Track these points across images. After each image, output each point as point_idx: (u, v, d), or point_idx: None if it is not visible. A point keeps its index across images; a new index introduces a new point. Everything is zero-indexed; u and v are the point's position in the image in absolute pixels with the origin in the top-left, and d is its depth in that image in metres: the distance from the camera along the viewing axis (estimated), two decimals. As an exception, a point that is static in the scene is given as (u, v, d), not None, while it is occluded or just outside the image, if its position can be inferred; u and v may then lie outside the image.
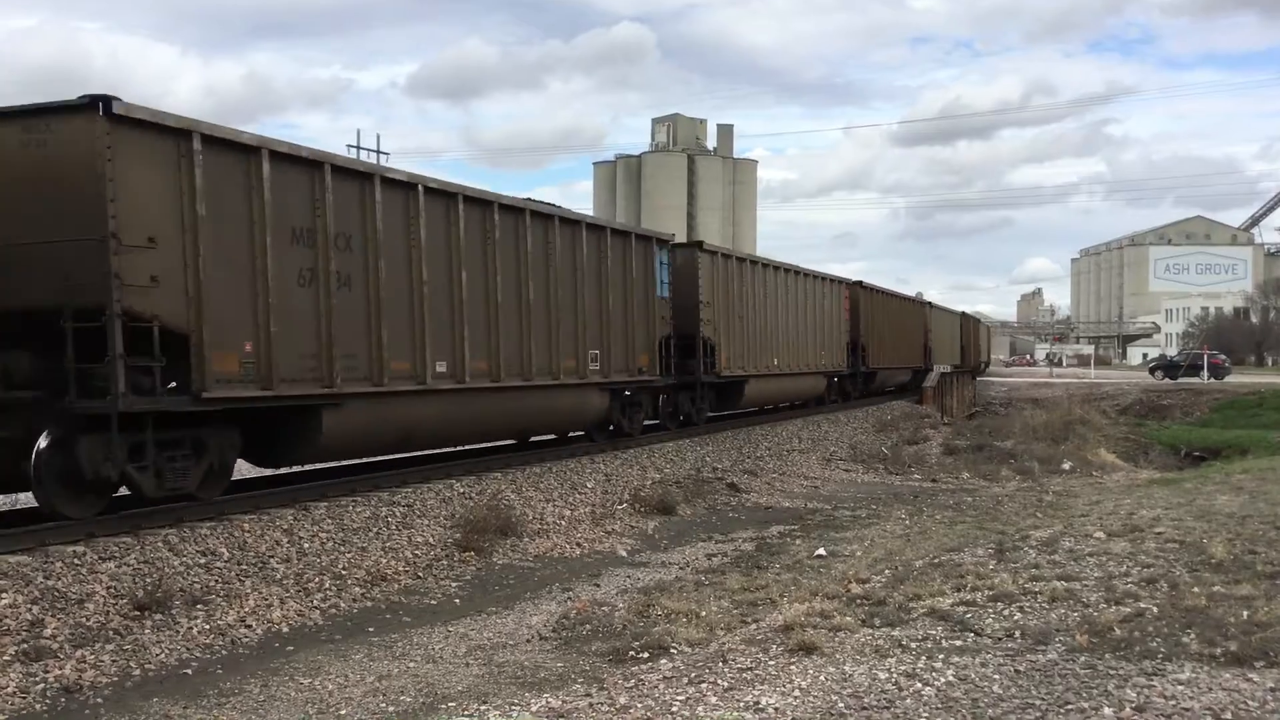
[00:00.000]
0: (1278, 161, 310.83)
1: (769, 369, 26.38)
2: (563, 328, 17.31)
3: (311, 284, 12.23)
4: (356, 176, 13.09)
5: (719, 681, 6.71)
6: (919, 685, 6.34)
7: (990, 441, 30.63)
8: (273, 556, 11.00)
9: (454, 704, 7.25)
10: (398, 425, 13.94)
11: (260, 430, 12.17)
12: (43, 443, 10.26)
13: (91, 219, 9.89)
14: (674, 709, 6.21)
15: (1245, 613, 7.44)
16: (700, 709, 6.16)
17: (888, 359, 38.33)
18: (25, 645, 8.19)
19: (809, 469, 24.18)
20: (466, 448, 17.22)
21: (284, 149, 11.98)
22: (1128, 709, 5.80)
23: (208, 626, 9.33)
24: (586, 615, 10.05)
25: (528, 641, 9.40)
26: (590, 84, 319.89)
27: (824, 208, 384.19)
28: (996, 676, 6.45)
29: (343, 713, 7.45)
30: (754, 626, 8.57)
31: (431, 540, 12.83)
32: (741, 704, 6.19)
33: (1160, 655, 6.73)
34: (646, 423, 21.63)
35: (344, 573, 11.31)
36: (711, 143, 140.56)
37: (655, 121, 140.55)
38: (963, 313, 66.23)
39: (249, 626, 9.58)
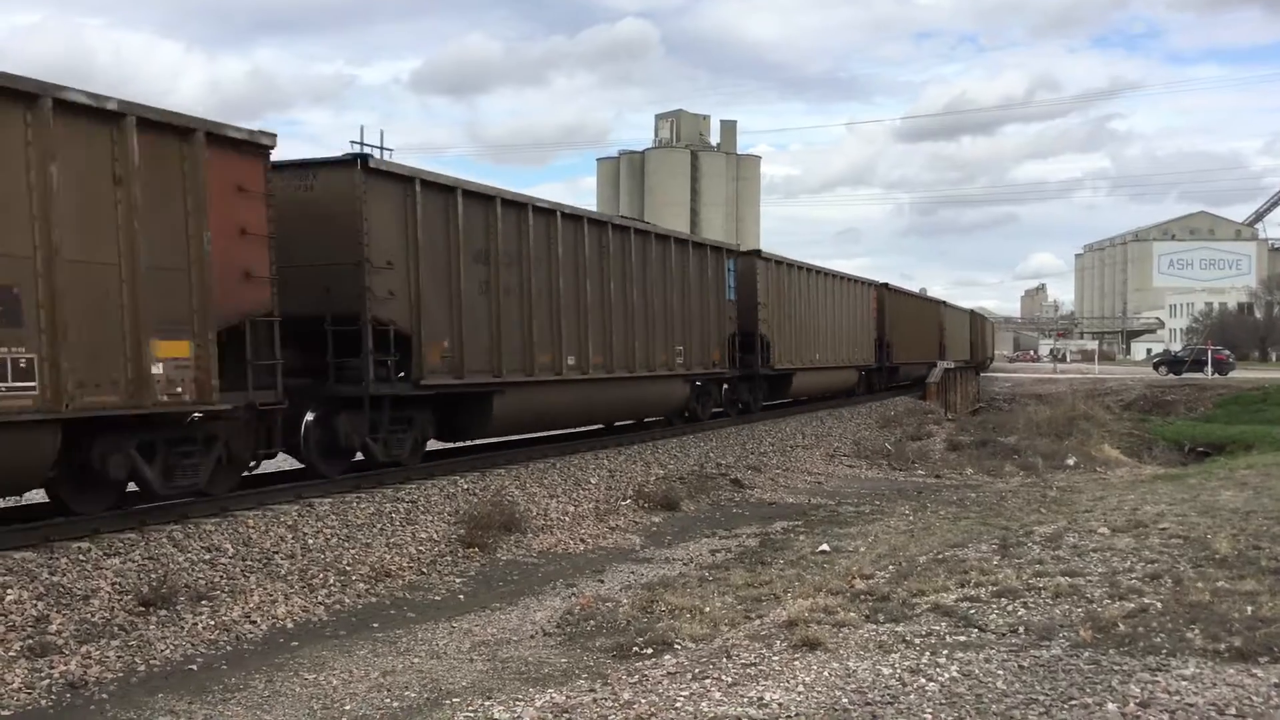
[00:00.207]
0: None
1: (812, 363, 29.66)
2: (657, 327, 20.60)
3: (486, 293, 15.42)
4: (515, 206, 16.28)
5: (723, 677, 6.71)
6: (923, 681, 6.34)
7: (994, 437, 30.60)
8: (277, 552, 11.02)
9: (458, 699, 7.25)
10: (541, 408, 17.15)
11: (447, 412, 15.28)
12: (309, 418, 13.38)
13: (351, 247, 13.12)
14: (678, 705, 6.21)
15: (1249, 608, 7.43)
16: (704, 705, 6.16)
17: (908, 354, 41.53)
18: (30, 641, 8.21)
19: (813, 465, 24.17)
20: (468, 444, 17.68)
21: (471, 187, 15.28)
22: (1132, 704, 5.80)
23: (212, 622, 9.34)
24: (590, 611, 10.06)
25: (532, 637, 9.41)
26: (594, 80, 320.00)
27: (827, 204, 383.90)
28: (1001, 672, 6.45)
29: (347, 708, 7.46)
30: (758, 622, 8.57)
31: (435, 536, 12.84)
32: (745, 699, 6.19)
33: (1164, 651, 6.72)
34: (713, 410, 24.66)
35: (348, 568, 11.33)
36: (715, 139, 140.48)
37: (659, 117, 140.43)
38: (971, 310, 69.50)
39: (254, 622, 9.59)
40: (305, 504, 12.37)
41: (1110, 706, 5.78)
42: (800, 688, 6.34)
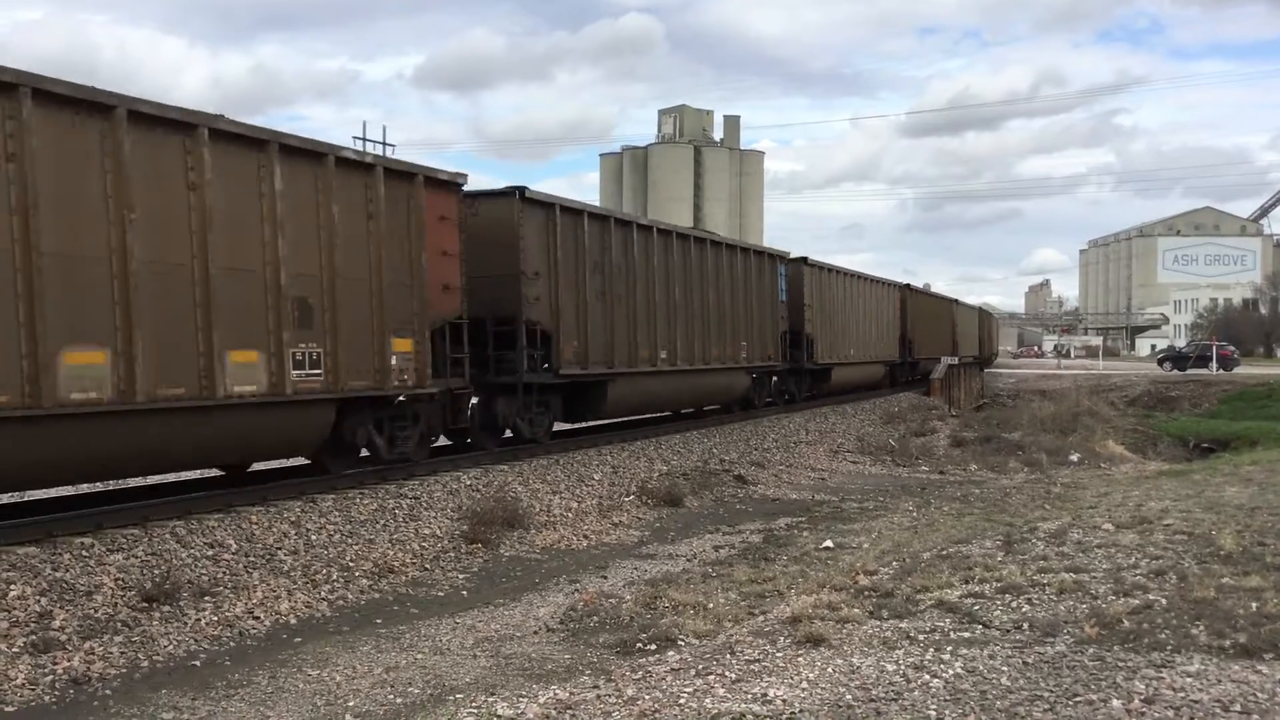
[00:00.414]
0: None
1: (847, 358, 33.16)
2: (726, 325, 23.81)
3: (602, 299, 18.54)
4: (622, 224, 19.78)
5: (726, 673, 6.70)
6: (927, 677, 6.33)
7: (998, 433, 30.57)
8: (280, 548, 11.02)
9: (461, 695, 7.25)
10: (641, 395, 20.55)
11: (572, 398, 18.41)
12: (474, 401, 16.23)
13: (509, 261, 16.11)
14: (681, 701, 6.20)
15: (1254, 604, 7.41)
16: (708, 701, 6.15)
17: (927, 350, 44.85)
18: (34, 637, 8.21)
19: (816, 460, 24.16)
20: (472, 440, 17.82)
21: (593, 210, 18.84)
22: (1136, 701, 5.78)
23: (216, 618, 9.34)
24: (593, 607, 10.05)
25: (535, 633, 9.40)
26: (597, 75, 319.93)
27: (831, 199, 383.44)
28: (1005, 668, 6.44)
29: (351, 704, 7.46)
30: (761, 618, 8.56)
31: (439, 532, 12.84)
32: (749, 696, 6.18)
33: (1169, 647, 6.70)
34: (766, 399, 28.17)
35: (351, 564, 11.33)
36: (718, 134, 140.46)
37: (662, 113, 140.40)
38: (979, 308, 72.78)
39: (257, 618, 9.60)
40: (308, 500, 12.38)
41: (1115, 703, 5.76)
42: (804, 684, 6.33)
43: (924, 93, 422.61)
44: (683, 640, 8.40)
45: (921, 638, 7.20)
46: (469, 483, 14.57)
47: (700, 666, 6.92)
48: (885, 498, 18.65)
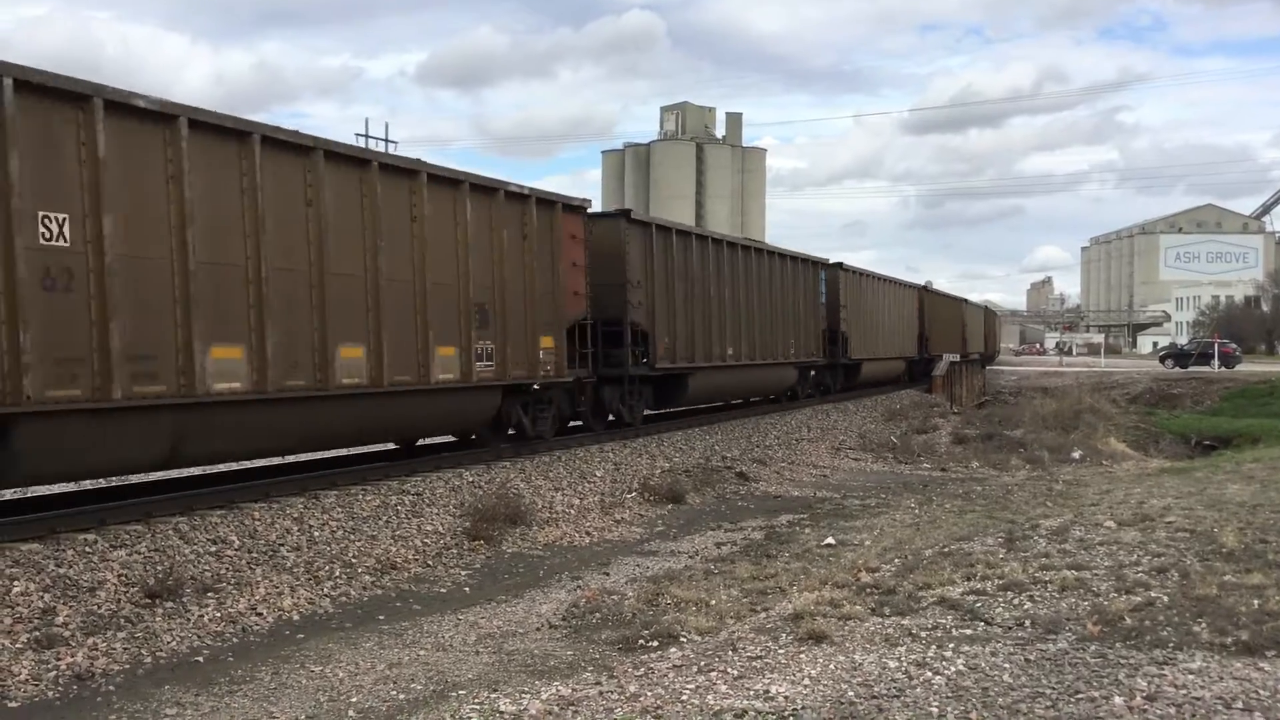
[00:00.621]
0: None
1: (875, 354, 36.08)
2: (778, 325, 27.05)
3: (686, 302, 21.68)
4: (698, 237, 23.10)
5: (729, 670, 6.71)
6: (929, 674, 6.33)
7: (1000, 430, 30.55)
8: (283, 544, 11.04)
9: (464, 692, 7.26)
10: (714, 385, 23.82)
11: (660, 388, 21.42)
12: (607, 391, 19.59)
13: (617, 272, 19.07)
14: (684, 697, 6.21)
15: (1256, 602, 7.41)
16: (710, 697, 6.16)
17: (941, 347, 47.50)
18: (37, 633, 8.23)
19: (818, 458, 24.16)
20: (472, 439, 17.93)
21: (679, 227, 22.70)
22: (1138, 698, 5.78)
23: (219, 614, 9.36)
24: (596, 604, 10.06)
25: (537, 630, 9.41)
26: (600, 72, 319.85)
27: (833, 196, 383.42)
28: (1007, 665, 6.44)
29: (354, 700, 7.47)
30: (764, 615, 8.57)
31: (441, 529, 12.85)
32: (751, 692, 6.19)
33: (1171, 644, 6.71)
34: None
35: (354, 561, 11.34)
36: (720, 131, 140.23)
37: (664, 110, 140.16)
38: (985, 306, 76.09)
39: (260, 614, 9.61)
40: (311, 496, 12.40)
41: (1117, 700, 5.77)
42: (806, 681, 6.33)
43: (926, 90, 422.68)
44: (685, 637, 8.41)
45: (924, 635, 7.20)
46: (471, 479, 14.59)
47: (702, 663, 6.93)
48: (887, 495, 18.65)
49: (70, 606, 8.72)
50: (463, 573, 11.80)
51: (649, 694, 6.33)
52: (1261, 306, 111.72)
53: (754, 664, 6.82)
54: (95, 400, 9.72)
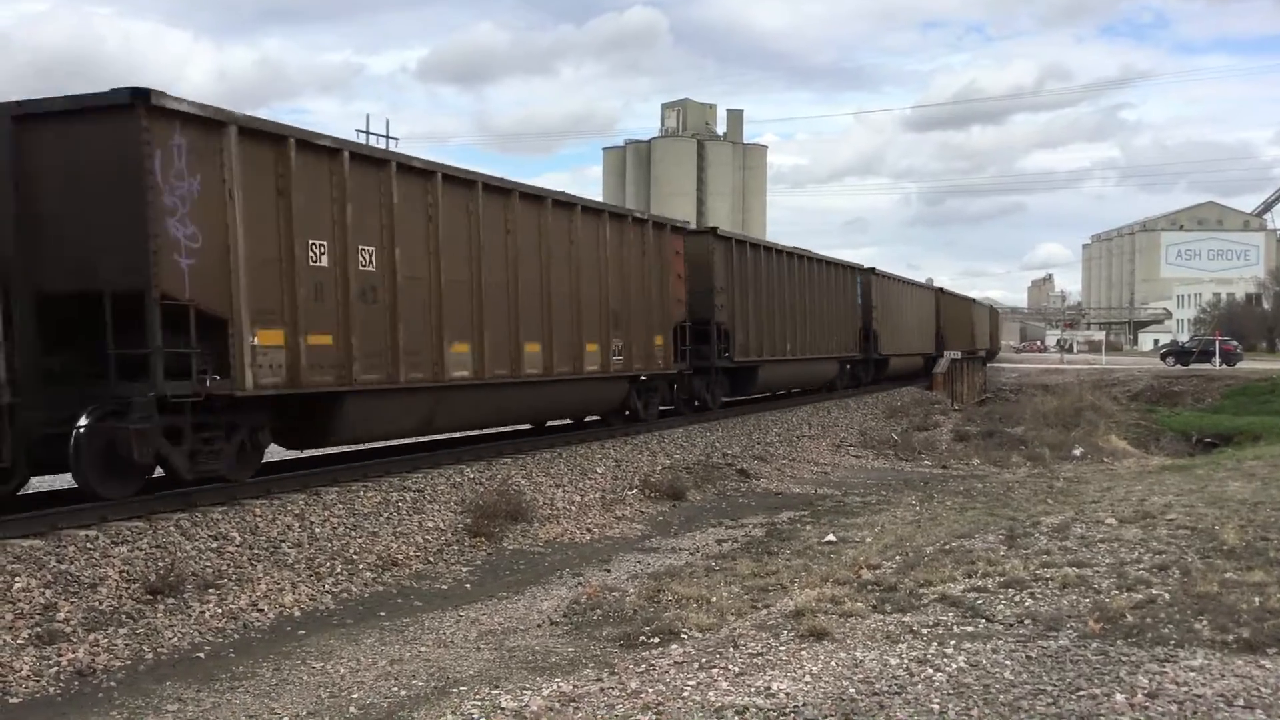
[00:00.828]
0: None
1: (900, 351, 39.82)
2: (823, 324, 30.81)
3: (756, 305, 25.08)
4: (764, 248, 26.96)
5: (730, 667, 6.72)
6: (930, 671, 6.34)
7: (1001, 428, 30.55)
8: (284, 541, 11.04)
9: (465, 688, 7.26)
10: (777, 377, 27.57)
11: (734, 378, 24.78)
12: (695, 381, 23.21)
13: (707, 279, 22.56)
14: (685, 694, 6.22)
15: (1257, 599, 7.42)
16: (711, 694, 6.16)
17: (954, 344, 50.11)
18: (39, 629, 8.23)
19: (819, 455, 24.16)
20: (474, 435, 18.35)
21: (752, 240, 27.05)
22: (1140, 695, 5.79)
23: (220, 610, 9.36)
24: (597, 600, 10.06)
25: (538, 626, 9.42)
26: (602, 69, 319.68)
27: (835, 193, 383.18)
28: (1008, 662, 6.44)
29: (355, 696, 7.47)
30: (765, 612, 8.58)
31: (442, 525, 12.86)
32: (753, 689, 6.19)
33: (1172, 642, 6.71)
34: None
35: (355, 557, 11.35)
36: (721, 128, 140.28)
37: (665, 107, 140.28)
38: (990, 305, 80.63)
39: (261, 610, 9.61)
40: (312, 493, 12.39)
41: (1118, 697, 5.77)
42: (807, 678, 6.34)
43: (928, 87, 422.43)
44: (686, 633, 8.41)
45: (925, 632, 7.21)
46: (472, 476, 14.59)
47: (703, 660, 6.93)
48: (888, 492, 18.65)
49: (71, 603, 8.72)
50: (464, 569, 11.80)
51: (650, 690, 6.33)
52: (1263, 304, 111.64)
53: (755, 661, 6.83)
54: (389, 383, 13.31)
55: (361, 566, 11.20)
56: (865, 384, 36.49)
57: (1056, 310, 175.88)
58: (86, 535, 9.73)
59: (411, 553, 11.93)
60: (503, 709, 6.29)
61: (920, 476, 21.62)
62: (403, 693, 7.52)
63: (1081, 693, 5.87)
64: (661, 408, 21.98)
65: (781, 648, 7.08)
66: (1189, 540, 9.57)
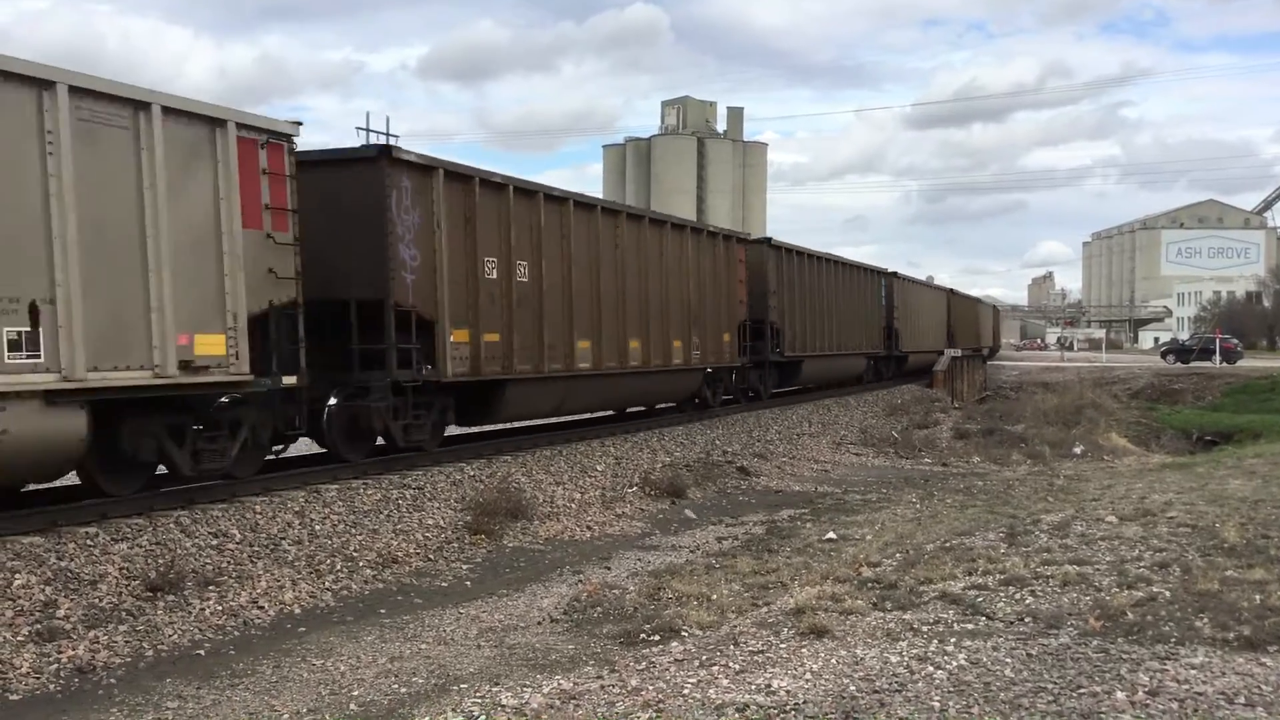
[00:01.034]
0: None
1: (918, 348, 43.07)
2: (854, 323, 33.96)
3: (802, 306, 28.47)
4: (813, 256, 30.45)
5: (730, 664, 6.71)
6: (931, 668, 6.33)
7: (1001, 425, 30.56)
8: (284, 538, 11.04)
9: (466, 685, 7.26)
10: (817, 371, 30.62)
11: (781, 370, 27.86)
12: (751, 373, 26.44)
13: (762, 283, 25.73)
14: (685, 692, 6.21)
15: (1258, 597, 7.41)
16: (712, 692, 6.16)
17: (962, 341, 53.65)
18: (39, 626, 8.23)
19: (819, 453, 24.16)
20: (477, 431, 18.64)
21: (798, 248, 29.15)
22: (1140, 693, 5.78)
23: (220, 608, 9.36)
24: (597, 598, 10.06)
25: (539, 624, 9.42)
26: (603, 66, 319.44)
27: (835, 191, 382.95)
28: (1009, 660, 6.44)
29: (355, 694, 7.47)
30: (765, 609, 8.57)
31: (442, 523, 12.85)
32: (753, 687, 6.19)
33: (1173, 639, 6.70)
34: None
35: (355, 555, 11.35)
36: (721, 126, 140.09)
37: (665, 104, 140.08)
38: (993, 305, 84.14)
39: (261, 608, 9.61)
40: (312, 490, 12.39)
41: (1119, 695, 5.76)
42: (808, 675, 6.33)
43: (928, 85, 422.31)
44: (686, 631, 8.40)
45: (925, 629, 7.20)
46: (472, 473, 14.58)
47: (704, 657, 6.93)
48: (888, 490, 18.65)
49: (71, 599, 8.72)
50: (464, 567, 11.80)
51: (650, 688, 6.33)
52: (1263, 302, 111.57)
53: (755, 658, 6.82)
54: (536, 373, 16.39)
55: (362, 564, 11.20)
56: (887, 378, 39.30)
57: (1057, 308, 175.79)
58: (86, 532, 9.74)
59: (412, 550, 11.92)
60: (503, 706, 6.29)
61: (920, 474, 21.62)
62: (403, 690, 7.52)
63: (1082, 690, 5.86)
64: (723, 396, 25.12)
65: (782, 645, 7.08)
66: (1190, 538, 9.57)
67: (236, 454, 11.68)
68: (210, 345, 10.95)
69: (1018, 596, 7.91)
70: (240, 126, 11.23)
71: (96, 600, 8.87)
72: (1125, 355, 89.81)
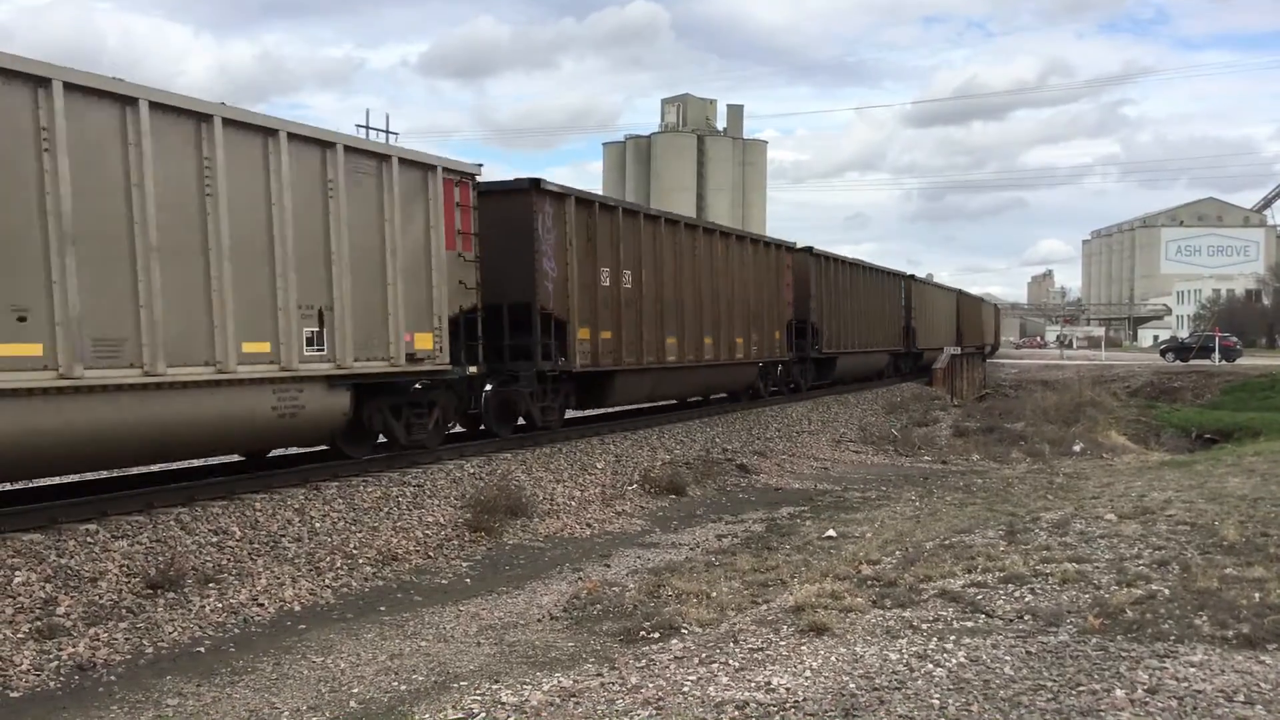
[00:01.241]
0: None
1: (930, 345, 45.56)
2: (879, 322, 36.81)
3: (837, 307, 31.14)
4: (846, 262, 33.15)
5: (730, 662, 6.72)
6: (930, 666, 6.34)
7: (1000, 423, 30.57)
8: (284, 535, 11.04)
9: (466, 683, 7.27)
10: (849, 366, 33.39)
11: (818, 365, 30.85)
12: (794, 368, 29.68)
13: (805, 287, 28.70)
14: (685, 689, 6.22)
15: (1257, 595, 7.42)
16: (711, 689, 6.17)
17: (969, 339, 56.60)
18: (39, 623, 8.23)
19: (819, 450, 24.16)
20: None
21: (838, 256, 32.45)
22: (1140, 691, 5.79)
23: (220, 605, 9.36)
24: (597, 595, 10.07)
25: (539, 621, 9.42)
26: (603, 64, 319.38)
27: (835, 189, 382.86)
28: (1008, 658, 6.45)
29: (355, 691, 7.48)
30: (765, 607, 8.58)
31: (442, 520, 12.86)
32: (753, 684, 6.20)
33: (1172, 637, 6.71)
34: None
35: (355, 552, 11.35)
36: (721, 123, 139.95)
37: (665, 102, 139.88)
38: (994, 304, 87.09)
39: (261, 605, 9.62)
40: (312, 487, 12.40)
41: (1118, 693, 5.77)
42: (807, 673, 6.34)
43: (928, 82, 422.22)
44: (686, 629, 8.41)
45: (925, 627, 7.21)
46: (472, 471, 14.59)
47: (704, 655, 6.93)
48: (888, 487, 18.66)
49: (72, 597, 8.73)
50: (464, 564, 11.81)
51: (650, 685, 6.34)
52: (1262, 300, 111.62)
53: (755, 656, 6.83)
54: (637, 365, 19.39)
55: (361, 561, 11.21)
56: (905, 374, 42.12)
57: (1056, 306, 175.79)
58: (86, 529, 9.74)
59: (411, 548, 11.93)
60: (503, 704, 6.29)
61: (920, 472, 21.63)
62: (403, 687, 7.53)
63: (1081, 688, 5.87)
64: (771, 388, 28.17)
65: (781, 643, 7.09)
66: (1189, 536, 9.58)
67: (432, 427, 14.86)
68: (424, 341, 14.10)
69: (1017, 594, 7.92)
70: (445, 170, 14.32)
71: (97, 597, 8.87)
72: (1124, 353, 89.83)
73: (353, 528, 11.82)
